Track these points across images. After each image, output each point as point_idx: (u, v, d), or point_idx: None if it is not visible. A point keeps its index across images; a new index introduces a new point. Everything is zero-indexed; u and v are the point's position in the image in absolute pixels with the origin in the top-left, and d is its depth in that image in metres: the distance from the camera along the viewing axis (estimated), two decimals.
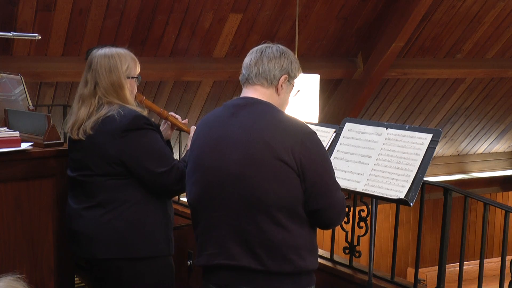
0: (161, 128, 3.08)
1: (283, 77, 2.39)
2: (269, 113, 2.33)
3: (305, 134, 2.29)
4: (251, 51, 2.44)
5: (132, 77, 2.80)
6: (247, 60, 2.42)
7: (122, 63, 2.76)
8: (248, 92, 2.40)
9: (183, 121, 3.10)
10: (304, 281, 2.34)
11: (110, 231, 2.69)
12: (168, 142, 3.08)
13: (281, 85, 2.40)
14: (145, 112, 2.81)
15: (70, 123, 2.77)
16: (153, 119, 2.85)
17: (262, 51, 2.40)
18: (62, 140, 2.98)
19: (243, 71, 2.42)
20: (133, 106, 2.78)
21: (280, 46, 2.44)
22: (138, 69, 2.85)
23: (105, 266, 2.76)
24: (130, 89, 2.80)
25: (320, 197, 2.28)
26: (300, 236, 2.29)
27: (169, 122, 3.08)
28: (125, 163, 2.68)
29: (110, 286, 2.81)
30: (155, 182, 2.71)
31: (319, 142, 2.34)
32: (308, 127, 2.34)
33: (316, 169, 2.28)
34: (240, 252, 2.27)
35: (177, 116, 3.10)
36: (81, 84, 2.81)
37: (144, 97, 3.00)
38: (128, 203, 2.70)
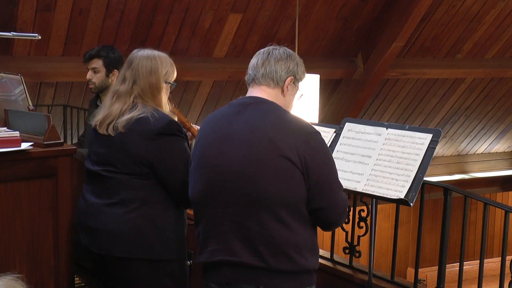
0: None
1: (289, 79, 2.41)
2: (275, 112, 2.34)
3: (310, 134, 2.31)
4: (257, 52, 2.46)
5: (169, 83, 2.81)
6: (253, 61, 2.44)
7: (163, 66, 2.76)
8: (254, 91, 2.42)
9: None
10: (305, 280, 2.34)
11: (133, 230, 2.66)
12: None
13: (287, 87, 2.42)
14: (176, 119, 2.80)
15: (100, 116, 2.75)
16: None
17: (269, 52, 2.43)
18: (62, 140, 2.98)
19: (250, 71, 2.45)
20: (166, 110, 2.77)
21: (287, 49, 2.46)
22: (175, 76, 2.85)
23: (121, 265, 2.73)
24: (166, 94, 2.82)
25: (322, 196, 2.29)
26: (302, 235, 2.30)
27: (189, 133, 3.11)
28: (153, 165, 2.66)
29: (123, 285, 2.79)
30: (177, 190, 2.68)
31: (323, 142, 2.36)
32: (313, 127, 2.36)
33: (320, 168, 2.29)
34: (242, 249, 2.28)
35: (198, 127, 3.11)
36: (117, 81, 2.81)
37: (174, 105, 3.01)
38: (150, 203, 2.68)
